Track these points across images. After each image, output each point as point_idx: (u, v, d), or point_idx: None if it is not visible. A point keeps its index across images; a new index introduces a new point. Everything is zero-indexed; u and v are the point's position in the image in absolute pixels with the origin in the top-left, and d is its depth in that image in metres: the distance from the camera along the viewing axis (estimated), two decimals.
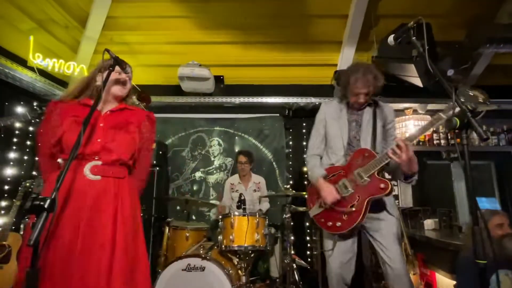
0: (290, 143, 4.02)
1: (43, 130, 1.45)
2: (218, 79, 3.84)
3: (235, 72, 3.95)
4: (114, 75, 1.52)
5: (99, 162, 1.41)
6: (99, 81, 1.49)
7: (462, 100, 1.18)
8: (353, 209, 1.76)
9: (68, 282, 1.21)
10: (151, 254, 3.08)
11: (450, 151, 3.87)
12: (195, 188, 3.88)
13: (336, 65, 3.80)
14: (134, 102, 1.63)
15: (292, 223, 2.91)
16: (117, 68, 1.47)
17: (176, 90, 3.87)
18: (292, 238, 3.22)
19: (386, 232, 1.81)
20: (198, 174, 3.89)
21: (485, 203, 3.86)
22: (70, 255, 1.24)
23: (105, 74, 1.41)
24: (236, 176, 3.51)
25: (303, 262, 3.05)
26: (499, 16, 3.38)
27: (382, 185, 1.73)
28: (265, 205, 3.43)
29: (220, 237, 2.53)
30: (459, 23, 3.44)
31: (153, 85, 4.06)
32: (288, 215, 2.69)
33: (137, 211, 1.49)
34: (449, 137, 3.88)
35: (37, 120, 3.39)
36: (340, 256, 1.87)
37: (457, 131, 1.14)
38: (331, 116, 2.00)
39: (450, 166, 3.97)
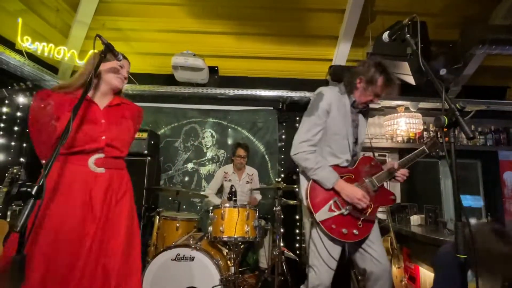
0: (283, 136, 4.00)
1: (39, 119, 1.42)
2: (213, 70, 3.78)
3: (230, 63, 3.90)
4: (111, 64, 1.49)
5: (102, 155, 1.42)
6: (99, 74, 1.48)
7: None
8: (368, 216, 1.71)
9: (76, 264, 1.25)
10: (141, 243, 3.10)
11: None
12: (187, 179, 3.84)
13: (331, 60, 3.77)
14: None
15: (282, 216, 2.91)
16: (117, 62, 1.45)
17: (169, 79, 3.80)
18: (282, 230, 3.38)
19: (374, 231, 1.77)
20: (190, 165, 3.85)
21: (470, 201, 3.95)
22: (78, 248, 1.27)
23: (96, 61, 1.37)
24: (230, 166, 3.49)
25: (291, 254, 3.06)
26: (493, 17, 3.42)
27: (392, 197, 1.77)
28: (257, 197, 3.43)
29: (210, 228, 2.52)
30: (454, 23, 3.46)
31: (146, 73, 3.98)
32: (278, 208, 2.68)
33: (133, 200, 1.53)
34: (439, 136, 3.89)
35: (14, 97, 3.27)
36: (334, 267, 1.72)
37: (445, 129, 1.17)
38: (338, 109, 1.76)
39: (438, 163, 4.03)
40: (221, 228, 2.45)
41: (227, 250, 2.64)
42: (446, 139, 1.17)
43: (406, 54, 3.21)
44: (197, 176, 3.85)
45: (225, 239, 2.46)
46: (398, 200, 3.88)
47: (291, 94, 3.76)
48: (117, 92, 1.57)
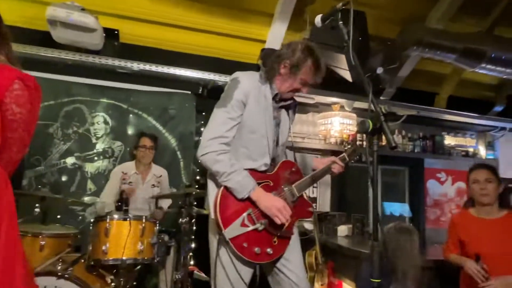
0: (202, 129, 3.68)
1: None
2: (111, 34, 3.30)
3: (136, 27, 3.43)
4: None
5: None
6: None
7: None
8: (284, 232, 1.65)
9: None
10: None
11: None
12: (64, 179, 3.29)
13: (264, 41, 3.57)
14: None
15: (194, 228, 2.87)
16: None
17: (45, 39, 3.18)
18: (193, 246, 3.20)
19: (292, 247, 1.72)
20: (70, 160, 3.34)
21: (397, 208, 4.10)
22: None
23: None
24: (132, 164, 3.14)
25: (203, 275, 2.94)
26: (428, 19, 3.49)
27: (310, 209, 1.80)
28: (167, 202, 3.21)
29: (90, 247, 2.30)
30: (395, 19, 3.55)
31: (13, 26, 3.17)
32: (185, 219, 2.47)
33: None
34: (361, 141, 4.05)
35: None
36: None
37: (369, 135, 1.20)
38: (256, 101, 1.66)
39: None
40: (104, 248, 2.21)
41: (112, 277, 2.38)
42: (369, 145, 1.21)
43: (343, 45, 3.12)
44: (81, 175, 3.36)
45: (110, 262, 2.24)
46: (327, 209, 3.92)
47: (215, 77, 3.49)
48: None
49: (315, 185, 3.84)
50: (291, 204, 1.67)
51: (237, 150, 1.66)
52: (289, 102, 1.77)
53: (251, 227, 1.57)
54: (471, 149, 4.39)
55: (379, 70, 3.33)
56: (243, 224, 1.57)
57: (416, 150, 4.10)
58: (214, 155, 1.58)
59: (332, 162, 1.83)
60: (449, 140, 4.31)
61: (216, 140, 1.59)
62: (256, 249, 1.57)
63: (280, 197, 1.65)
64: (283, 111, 1.79)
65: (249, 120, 1.65)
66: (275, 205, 1.57)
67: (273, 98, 1.70)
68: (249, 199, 1.60)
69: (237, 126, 1.64)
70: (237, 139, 1.66)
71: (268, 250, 1.59)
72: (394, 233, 1.96)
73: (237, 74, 1.69)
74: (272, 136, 1.71)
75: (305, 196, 1.80)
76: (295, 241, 1.74)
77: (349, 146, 1.97)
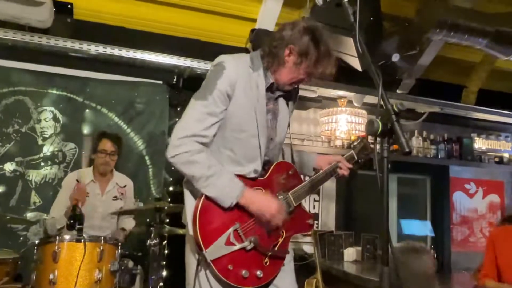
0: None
1: None
2: (62, 8, 3.28)
3: (94, 1, 3.42)
4: None
5: None
6: None
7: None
8: (277, 250, 1.71)
9: None
10: None
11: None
12: (1, 189, 3.29)
13: (255, 20, 3.58)
14: None
15: (166, 252, 2.88)
16: None
17: None
18: (164, 274, 3.19)
19: (285, 272, 1.75)
20: (10, 167, 3.32)
21: (416, 226, 4.09)
22: None
23: None
24: (88, 170, 3.17)
25: None
26: None
27: (310, 221, 1.84)
28: (129, 223, 3.23)
29: (33, 276, 2.33)
30: None
31: None
32: (155, 241, 2.56)
33: None
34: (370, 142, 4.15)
35: None
36: None
37: (378, 138, 1.23)
38: (245, 92, 1.67)
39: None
40: (51, 277, 2.23)
41: None
42: (378, 149, 1.24)
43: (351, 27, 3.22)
44: (22, 184, 3.35)
45: None
46: (331, 227, 3.94)
47: (193, 63, 3.48)
48: None
49: (316, 198, 3.88)
50: (287, 216, 1.69)
51: (221, 153, 1.67)
52: (286, 90, 1.79)
53: (238, 246, 1.57)
54: (506, 155, 4.40)
55: (395, 58, 3.36)
56: (228, 243, 1.57)
57: (439, 156, 4.05)
58: (187, 156, 1.57)
59: (337, 161, 1.84)
60: (480, 144, 4.31)
61: (191, 139, 1.59)
62: (244, 272, 1.58)
63: None
64: (281, 101, 1.81)
65: (235, 117, 1.65)
66: (273, 205, 1.61)
67: (268, 89, 1.72)
68: (236, 209, 1.61)
69: (219, 123, 1.63)
70: (220, 139, 1.66)
71: (258, 273, 1.61)
72: (400, 255, 1.98)
73: (222, 58, 1.69)
74: (266, 135, 1.73)
75: (303, 206, 1.82)
76: (288, 265, 1.76)
77: (357, 142, 1.99)
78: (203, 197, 1.60)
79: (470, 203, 4.37)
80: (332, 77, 1.73)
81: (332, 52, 1.69)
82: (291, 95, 1.86)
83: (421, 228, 4.05)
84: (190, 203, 1.66)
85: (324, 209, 3.91)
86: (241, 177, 1.68)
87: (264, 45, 1.74)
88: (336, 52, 3.39)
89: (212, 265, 1.54)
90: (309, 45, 1.64)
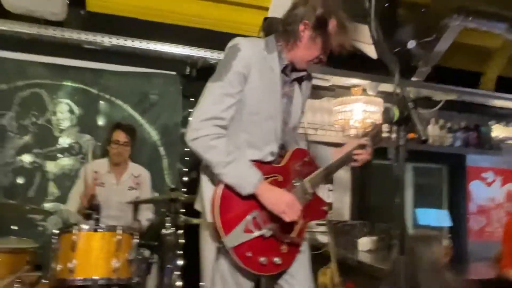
0: (190, 118, 3.63)
1: None
2: (76, 1, 3.32)
3: None
4: None
5: None
6: None
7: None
8: (294, 238, 1.72)
9: None
10: None
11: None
12: (20, 181, 3.32)
13: (267, 9, 3.52)
14: None
15: (183, 241, 2.84)
16: None
17: None
18: (181, 263, 3.15)
19: (300, 260, 1.76)
20: (28, 158, 3.37)
21: (432, 215, 4.05)
22: None
23: None
24: (105, 161, 3.21)
25: None
26: None
27: (324, 207, 1.86)
28: (146, 215, 3.23)
29: (53, 265, 2.32)
30: None
31: None
32: (170, 230, 2.57)
33: None
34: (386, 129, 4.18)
35: None
36: None
37: (394, 126, 1.23)
38: (261, 75, 1.67)
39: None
40: (70, 265, 2.23)
41: None
42: (396, 137, 1.24)
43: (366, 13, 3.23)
44: (41, 176, 3.38)
45: (78, 283, 2.28)
46: (346, 217, 3.96)
47: (206, 54, 3.48)
48: None
49: (330, 187, 3.89)
50: (303, 203, 1.71)
51: (237, 136, 1.67)
52: (302, 73, 1.78)
53: (256, 233, 1.59)
54: None
55: (411, 44, 3.40)
56: (247, 230, 1.58)
57: (456, 144, 4.05)
58: (207, 140, 1.58)
59: (353, 148, 1.84)
60: (498, 131, 4.27)
61: (210, 122, 1.59)
62: (262, 259, 1.60)
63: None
64: (296, 85, 1.81)
65: (251, 98, 1.65)
66: (284, 200, 1.60)
67: (283, 71, 1.72)
68: (253, 197, 1.61)
69: (236, 104, 1.64)
70: (236, 121, 1.66)
71: (276, 259, 1.63)
72: (411, 244, 2.00)
73: (237, 40, 1.69)
74: (281, 118, 1.73)
75: (318, 193, 1.82)
76: (303, 254, 1.78)
77: (370, 129, 1.99)
78: (223, 184, 1.61)
79: (488, 192, 4.34)
80: (350, 49, 1.71)
81: (347, 24, 1.68)
82: (306, 82, 1.86)
83: (437, 217, 4.02)
84: (207, 189, 1.67)
85: (338, 199, 3.91)
86: (258, 163, 1.68)
87: (278, 26, 1.74)
88: (352, 40, 3.49)
89: (233, 252, 1.56)
90: (323, 18, 1.64)
